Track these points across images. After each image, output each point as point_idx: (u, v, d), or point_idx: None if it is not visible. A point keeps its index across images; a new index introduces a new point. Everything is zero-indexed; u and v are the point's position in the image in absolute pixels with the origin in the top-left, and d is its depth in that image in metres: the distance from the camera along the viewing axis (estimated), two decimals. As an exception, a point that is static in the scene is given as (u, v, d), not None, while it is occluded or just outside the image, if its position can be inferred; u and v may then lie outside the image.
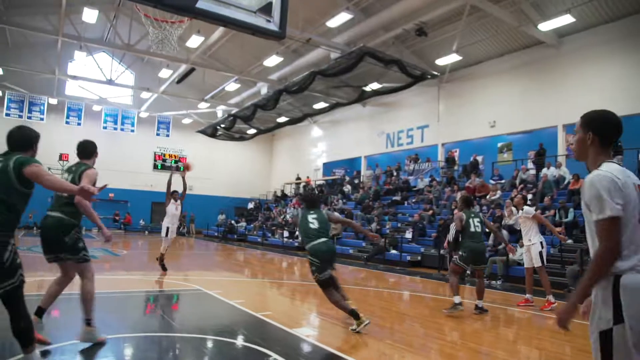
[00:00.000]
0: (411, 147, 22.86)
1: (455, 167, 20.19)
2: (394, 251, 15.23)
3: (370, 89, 17.40)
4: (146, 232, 29.91)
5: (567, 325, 2.18)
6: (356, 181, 25.25)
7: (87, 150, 4.76)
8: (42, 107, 25.89)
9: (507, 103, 18.20)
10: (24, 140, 3.61)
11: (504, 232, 11.75)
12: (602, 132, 2.28)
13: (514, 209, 9.54)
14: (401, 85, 16.07)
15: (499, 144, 19.57)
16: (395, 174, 22.64)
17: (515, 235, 11.25)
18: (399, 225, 17.28)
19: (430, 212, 16.88)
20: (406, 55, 18.42)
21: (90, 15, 17.21)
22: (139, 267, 12.37)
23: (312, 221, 5.81)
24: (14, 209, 3.34)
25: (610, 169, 2.17)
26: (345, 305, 5.55)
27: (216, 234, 28.69)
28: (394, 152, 24.15)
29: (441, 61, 17.69)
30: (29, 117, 25.66)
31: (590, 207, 2.16)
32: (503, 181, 16.95)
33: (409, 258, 14.68)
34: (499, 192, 15.39)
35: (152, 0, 3.11)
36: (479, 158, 19.50)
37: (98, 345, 4.43)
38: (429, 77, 15.95)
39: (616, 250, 2.05)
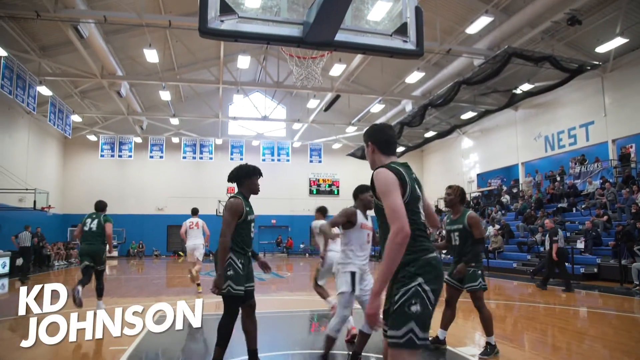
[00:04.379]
0: (575, 148, 20.80)
1: (632, 165, 17.85)
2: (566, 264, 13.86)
3: (521, 91, 16.48)
4: (307, 254, 31.51)
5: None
6: (514, 190, 23.70)
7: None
8: (210, 148, 29.09)
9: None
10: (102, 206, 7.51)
11: None
12: None
13: None
14: (557, 82, 14.96)
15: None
16: (558, 178, 20.79)
17: None
18: (568, 234, 15.60)
19: (605, 217, 15.12)
20: (559, 49, 16.98)
21: (243, 61, 19.05)
22: (302, 287, 13.05)
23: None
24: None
25: None
26: None
27: (372, 253, 29.00)
28: (554, 155, 22.21)
29: (602, 48, 16.02)
30: (201, 158, 29.01)
31: None
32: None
33: (582, 270, 13.28)
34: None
35: (295, 41, 3.36)
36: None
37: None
38: (589, 68, 14.53)
39: None
